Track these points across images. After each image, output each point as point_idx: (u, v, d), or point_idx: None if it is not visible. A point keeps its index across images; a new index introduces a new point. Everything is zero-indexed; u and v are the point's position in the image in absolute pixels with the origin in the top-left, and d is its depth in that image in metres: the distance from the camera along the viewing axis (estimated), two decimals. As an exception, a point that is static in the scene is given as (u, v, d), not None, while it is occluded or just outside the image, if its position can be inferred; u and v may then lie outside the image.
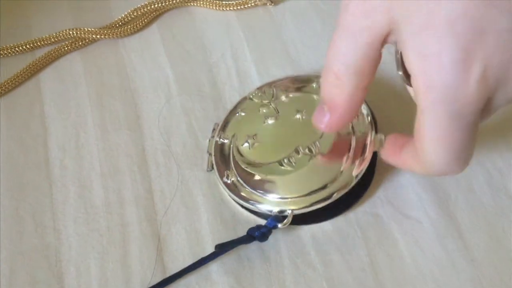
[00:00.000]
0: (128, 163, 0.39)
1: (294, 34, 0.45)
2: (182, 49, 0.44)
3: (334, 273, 0.34)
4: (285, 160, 0.36)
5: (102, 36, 0.44)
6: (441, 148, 0.26)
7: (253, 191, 0.35)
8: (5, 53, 0.43)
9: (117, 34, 0.44)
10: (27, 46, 0.44)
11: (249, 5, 0.47)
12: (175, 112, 0.41)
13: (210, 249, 0.35)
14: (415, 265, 0.34)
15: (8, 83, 0.42)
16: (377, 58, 0.27)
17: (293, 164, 0.35)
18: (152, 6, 0.46)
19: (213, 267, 0.35)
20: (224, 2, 0.47)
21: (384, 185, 0.37)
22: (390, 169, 0.37)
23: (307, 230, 0.36)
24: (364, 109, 0.37)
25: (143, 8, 0.46)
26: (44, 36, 0.44)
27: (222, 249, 0.34)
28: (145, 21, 0.46)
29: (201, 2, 0.47)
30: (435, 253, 0.35)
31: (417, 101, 0.26)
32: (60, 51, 0.44)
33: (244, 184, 0.35)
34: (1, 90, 0.41)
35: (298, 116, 0.37)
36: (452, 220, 0.36)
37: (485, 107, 0.25)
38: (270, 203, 0.34)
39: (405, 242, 0.35)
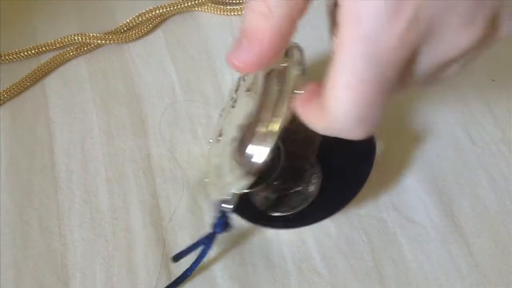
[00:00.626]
0: (133, 169, 0.39)
1: (300, 38, 0.45)
2: (186, 54, 0.45)
3: (339, 278, 0.34)
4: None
5: (107, 42, 0.44)
6: (348, 99, 0.22)
7: None
8: (11, 59, 0.44)
9: (122, 39, 0.45)
10: (32, 51, 0.44)
11: (253, 10, 0.46)
12: (180, 117, 0.41)
13: (214, 254, 0.35)
14: (419, 269, 0.34)
15: (14, 88, 0.42)
16: None
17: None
18: (157, 12, 0.46)
19: (218, 272, 0.35)
20: (228, 7, 0.47)
21: (388, 190, 0.37)
22: (393, 173, 0.38)
23: (311, 235, 0.36)
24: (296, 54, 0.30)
25: (148, 13, 0.46)
26: (49, 42, 0.44)
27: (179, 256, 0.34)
28: (149, 27, 0.46)
29: (205, 8, 0.47)
30: (440, 258, 0.35)
31: (337, 40, 0.22)
32: (65, 56, 0.44)
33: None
34: (7, 95, 0.42)
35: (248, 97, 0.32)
36: (456, 225, 0.36)
37: (407, 68, 0.23)
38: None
39: (410, 246, 0.35)
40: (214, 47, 0.45)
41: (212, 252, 0.35)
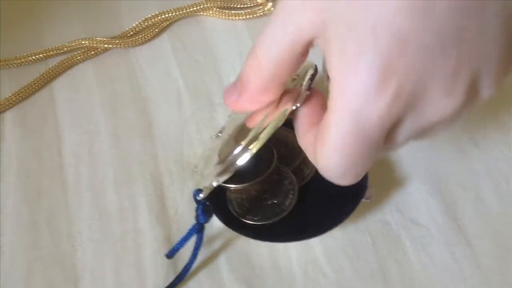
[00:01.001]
0: (141, 171, 0.39)
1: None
2: (192, 58, 0.45)
3: (344, 280, 0.35)
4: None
5: (114, 46, 0.45)
6: (336, 158, 0.25)
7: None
8: (19, 63, 0.44)
9: (128, 43, 0.45)
10: (40, 55, 0.44)
11: (258, 14, 0.47)
12: (185, 120, 0.42)
13: (221, 254, 0.36)
14: (423, 271, 0.35)
15: (22, 91, 0.42)
16: (300, 58, 0.26)
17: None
18: (162, 16, 0.47)
19: (225, 273, 0.35)
20: (233, 12, 0.47)
21: (392, 192, 0.38)
22: (397, 176, 0.38)
23: (316, 237, 0.36)
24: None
25: (154, 18, 0.46)
26: (56, 46, 0.45)
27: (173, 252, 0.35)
28: (155, 31, 0.46)
29: (211, 12, 0.47)
30: (443, 259, 0.35)
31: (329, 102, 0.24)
32: (72, 60, 0.44)
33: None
34: (16, 98, 0.42)
35: None
36: (459, 227, 0.36)
37: (392, 132, 0.24)
38: None
39: (414, 248, 0.36)
40: (219, 51, 0.46)
41: (218, 254, 0.36)
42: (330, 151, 0.25)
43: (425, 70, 0.22)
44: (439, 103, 0.23)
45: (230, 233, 0.36)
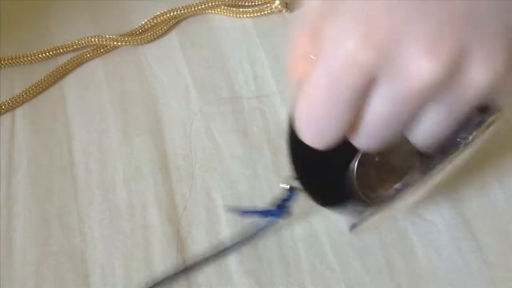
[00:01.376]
0: (150, 167, 0.40)
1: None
2: (200, 55, 0.46)
3: (352, 274, 0.35)
4: None
5: (123, 43, 0.45)
6: (304, 105, 0.24)
7: None
8: (29, 60, 0.45)
9: (137, 41, 0.46)
10: (50, 53, 0.45)
11: (266, 12, 0.48)
12: (194, 116, 0.42)
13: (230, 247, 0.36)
14: (430, 266, 0.35)
15: (32, 89, 0.43)
16: None
17: None
18: (171, 14, 0.47)
19: (233, 266, 0.36)
20: (241, 10, 0.48)
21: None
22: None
23: (324, 231, 0.37)
24: None
25: (162, 15, 0.47)
26: (66, 43, 0.45)
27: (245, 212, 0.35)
28: (164, 29, 0.47)
29: (219, 10, 0.48)
30: (450, 254, 0.36)
31: None
32: (82, 58, 0.45)
33: None
34: (26, 96, 0.43)
35: None
36: (465, 223, 0.37)
37: (368, 99, 0.23)
38: None
39: (421, 243, 0.36)
40: (227, 49, 0.46)
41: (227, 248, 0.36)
42: (302, 98, 0.25)
43: (403, 21, 0.21)
44: (419, 63, 0.21)
45: (240, 226, 0.36)
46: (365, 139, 0.26)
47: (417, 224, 0.37)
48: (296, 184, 0.31)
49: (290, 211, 0.33)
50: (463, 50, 0.22)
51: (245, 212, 0.36)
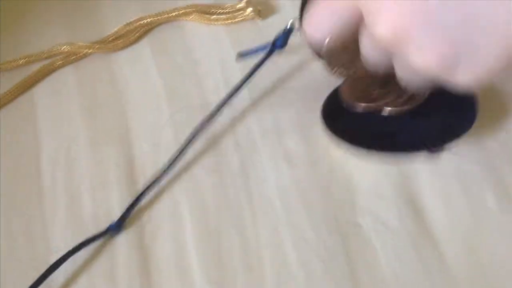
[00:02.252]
0: (117, 176, 0.40)
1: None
2: (172, 62, 0.46)
3: (316, 282, 0.35)
4: None
5: (95, 51, 0.45)
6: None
7: None
8: (1, 69, 0.45)
9: (109, 48, 0.46)
10: (21, 61, 0.45)
11: (238, 19, 0.48)
12: (164, 125, 0.42)
13: (196, 260, 0.36)
14: (393, 274, 0.35)
15: (4, 98, 0.43)
16: None
17: None
18: (144, 21, 0.47)
19: (197, 276, 0.36)
20: (213, 17, 0.48)
21: (364, 195, 0.38)
22: (369, 178, 0.39)
23: (289, 239, 0.37)
24: None
25: (135, 23, 0.47)
26: (37, 51, 0.45)
27: (243, 55, 0.43)
28: (136, 36, 0.47)
29: (191, 17, 0.48)
30: (412, 263, 0.36)
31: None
32: (53, 65, 0.45)
33: None
34: (-3, 104, 0.43)
35: None
36: (428, 231, 0.37)
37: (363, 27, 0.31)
38: None
39: (384, 252, 0.36)
40: (199, 55, 0.46)
41: (193, 262, 0.36)
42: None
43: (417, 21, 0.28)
44: (417, 56, 0.28)
45: (206, 224, 0.36)
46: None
47: (381, 231, 0.37)
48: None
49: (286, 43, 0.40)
50: (454, 57, 0.28)
51: (244, 54, 0.42)
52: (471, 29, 0.26)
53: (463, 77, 0.29)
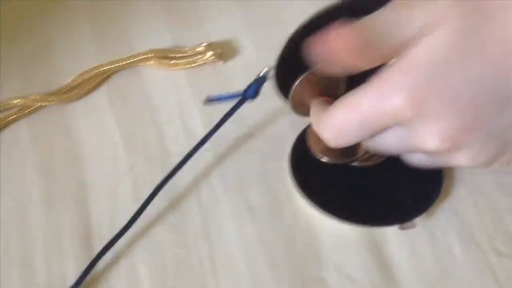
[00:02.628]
0: (72, 238, 0.38)
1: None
2: (130, 111, 0.44)
3: None
4: None
5: (49, 103, 0.44)
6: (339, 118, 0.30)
7: None
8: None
9: (64, 99, 0.44)
10: (-27, 116, 0.44)
11: (198, 63, 0.47)
12: (122, 177, 0.41)
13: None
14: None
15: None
16: None
17: None
18: (100, 69, 0.46)
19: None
20: (172, 62, 0.47)
21: (329, 248, 0.37)
22: (334, 230, 0.38)
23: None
24: None
25: (90, 71, 0.46)
26: (-11, 106, 0.44)
27: (211, 100, 0.39)
28: (92, 85, 0.46)
29: (150, 62, 0.47)
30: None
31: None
32: (5, 120, 0.44)
33: None
34: None
35: None
36: (396, 283, 0.36)
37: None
38: None
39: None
40: (157, 102, 0.45)
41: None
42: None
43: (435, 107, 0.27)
44: (430, 139, 0.28)
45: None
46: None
47: (346, 286, 0.36)
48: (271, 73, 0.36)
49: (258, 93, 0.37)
50: (462, 144, 0.28)
51: (213, 100, 0.39)
52: None
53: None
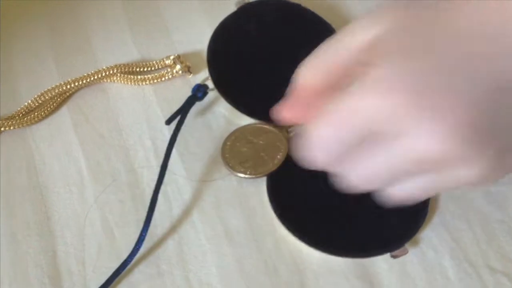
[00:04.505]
0: (38, 275, 0.36)
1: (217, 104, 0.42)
2: (95, 133, 0.41)
3: None
4: None
5: (7, 128, 0.41)
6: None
7: None
8: None
9: (23, 123, 0.41)
10: None
11: (166, 77, 0.44)
12: (88, 208, 0.38)
13: None
14: None
15: None
16: None
17: None
18: (62, 88, 0.43)
19: None
20: (139, 77, 0.44)
21: (314, 272, 0.35)
22: (321, 256, 0.36)
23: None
24: None
25: (51, 91, 0.43)
26: None
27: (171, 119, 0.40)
28: (54, 105, 0.42)
29: (115, 78, 0.44)
30: None
31: None
32: (-40, 149, 0.40)
33: None
34: None
35: None
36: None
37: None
38: None
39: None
40: (125, 122, 0.42)
41: None
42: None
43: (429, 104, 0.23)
44: (426, 140, 0.24)
45: None
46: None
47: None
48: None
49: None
50: (462, 153, 0.24)
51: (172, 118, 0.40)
52: None
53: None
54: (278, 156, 0.38)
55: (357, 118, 0.25)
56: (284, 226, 0.36)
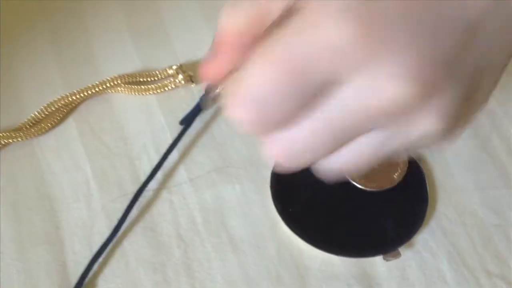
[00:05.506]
0: (48, 284, 0.36)
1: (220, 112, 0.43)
2: (101, 143, 0.42)
3: None
4: None
5: (15, 140, 0.42)
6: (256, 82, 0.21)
7: None
8: None
9: (30, 134, 0.42)
10: None
11: (170, 87, 0.45)
12: (96, 217, 0.39)
13: None
14: None
15: None
16: None
17: None
18: (68, 100, 0.44)
19: None
20: (143, 87, 0.45)
21: (316, 277, 0.36)
22: (320, 257, 0.36)
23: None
24: None
25: (57, 102, 0.44)
26: (-49, 146, 0.42)
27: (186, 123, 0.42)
28: (60, 116, 0.43)
29: (119, 89, 0.45)
30: None
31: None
32: (-31, 161, 0.41)
33: None
34: None
35: None
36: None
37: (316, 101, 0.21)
38: None
39: None
40: (130, 132, 0.43)
41: None
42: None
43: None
44: (392, 84, 0.20)
45: None
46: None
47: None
48: None
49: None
50: (430, 92, 0.20)
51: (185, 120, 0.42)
52: None
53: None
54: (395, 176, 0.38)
55: (299, 58, 0.20)
56: (287, 227, 0.37)
